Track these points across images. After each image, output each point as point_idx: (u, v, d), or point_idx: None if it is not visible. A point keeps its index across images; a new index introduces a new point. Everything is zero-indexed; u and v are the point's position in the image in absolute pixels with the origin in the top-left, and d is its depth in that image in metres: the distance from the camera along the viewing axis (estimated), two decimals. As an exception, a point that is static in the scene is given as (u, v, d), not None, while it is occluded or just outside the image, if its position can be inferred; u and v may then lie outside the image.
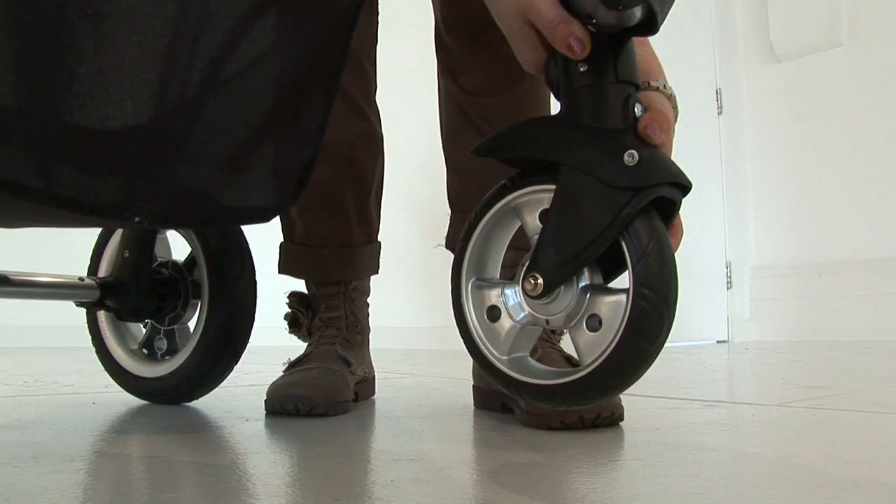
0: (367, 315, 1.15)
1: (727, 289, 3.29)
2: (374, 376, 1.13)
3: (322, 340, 1.05)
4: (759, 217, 3.29)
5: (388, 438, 0.75)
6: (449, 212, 1.04)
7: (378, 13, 1.09)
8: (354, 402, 1.02)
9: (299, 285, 1.13)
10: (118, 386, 1.07)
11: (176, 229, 1.01)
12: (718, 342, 3.15)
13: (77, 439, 0.74)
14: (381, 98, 1.13)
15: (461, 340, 0.65)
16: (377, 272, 1.15)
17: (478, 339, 0.64)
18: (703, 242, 3.11)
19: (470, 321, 0.65)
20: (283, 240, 1.12)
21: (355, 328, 1.08)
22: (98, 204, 0.64)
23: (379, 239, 1.16)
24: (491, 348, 0.64)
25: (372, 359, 1.14)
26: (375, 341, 1.18)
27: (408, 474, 0.57)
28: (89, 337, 1.09)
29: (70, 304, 1.01)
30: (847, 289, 2.93)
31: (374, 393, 1.13)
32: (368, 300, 1.16)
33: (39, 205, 0.60)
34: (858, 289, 2.90)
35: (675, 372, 1.50)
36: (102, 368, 1.08)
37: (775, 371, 1.60)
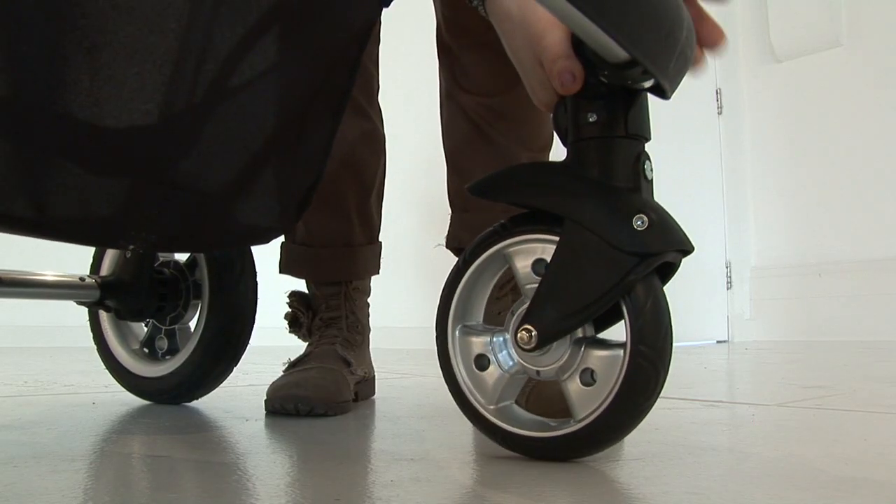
0: (368, 315, 1.15)
1: (727, 289, 3.29)
2: (374, 376, 1.13)
3: (322, 340, 1.05)
4: (759, 217, 3.29)
5: (388, 438, 0.75)
6: (450, 212, 1.04)
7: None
8: (354, 402, 1.02)
9: (300, 285, 1.13)
10: (119, 385, 1.07)
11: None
12: (718, 342, 3.15)
13: (77, 439, 0.74)
14: (382, 97, 1.13)
15: (447, 389, 0.64)
16: (378, 272, 1.15)
17: (465, 387, 0.63)
18: (703, 242, 3.11)
19: (456, 369, 0.63)
20: (283, 239, 1.12)
21: (356, 328, 1.08)
22: (92, 234, 0.64)
23: (380, 239, 1.16)
24: (478, 397, 0.62)
25: (372, 359, 1.15)
26: (376, 341, 1.18)
27: (408, 474, 0.57)
28: (91, 336, 1.09)
29: (71, 303, 1.02)
30: (847, 289, 2.93)
31: (374, 393, 1.13)
32: (369, 300, 1.16)
33: (31, 234, 0.60)
34: (858, 289, 2.90)
35: (676, 372, 1.49)
36: (102, 368, 1.08)
37: (775, 371, 1.60)
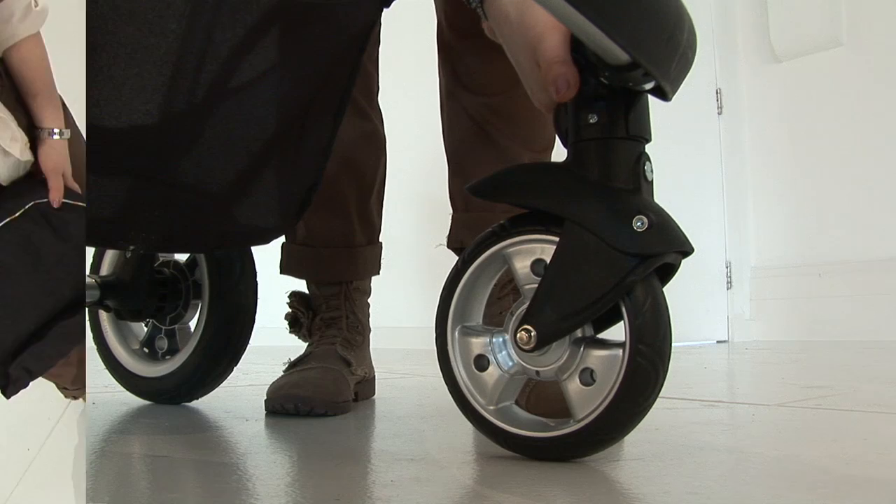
0: (368, 315, 1.15)
1: (727, 289, 3.28)
2: (374, 376, 1.13)
3: (322, 340, 1.05)
4: (759, 217, 3.29)
5: (388, 438, 0.75)
6: (450, 211, 1.04)
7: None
8: (354, 402, 1.02)
9: (300, 285, 1.13)
10: (119, 385, 1.07)
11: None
12: (718, 342, 3.15)
13: (77, 439, 0.74)
14: (382, 97, 1.13)
15: (447, 389, 0.65)
16: (378, 273, 1.15)
17: (464, 388, 0.63)
18: (703, 242, 3.11)
19: (456, 370, 0.63)
20: (284, 240, 1.12)
21: (356, 328, 1.08)
22: (92, 234, 0.64)
23: (380, 239, 1.16)
24: (478, 398, 0.62)
25: (372, 359, 1.15)
26: (376, 341, 1.18)
27: (408, 474, 0.57)
28: (91, 336, 1.09)
29: (70, 303, 1.01)
30: (847, 289, 2.93)
31: (374, 393, 1.13)
32: (369, 300, 1.16)
33: None
34: (858, 289, 2.90)
35: (675, 372, 1.49)
36: (102, 368, 1.08)
37: (775, 371, 1.60)
